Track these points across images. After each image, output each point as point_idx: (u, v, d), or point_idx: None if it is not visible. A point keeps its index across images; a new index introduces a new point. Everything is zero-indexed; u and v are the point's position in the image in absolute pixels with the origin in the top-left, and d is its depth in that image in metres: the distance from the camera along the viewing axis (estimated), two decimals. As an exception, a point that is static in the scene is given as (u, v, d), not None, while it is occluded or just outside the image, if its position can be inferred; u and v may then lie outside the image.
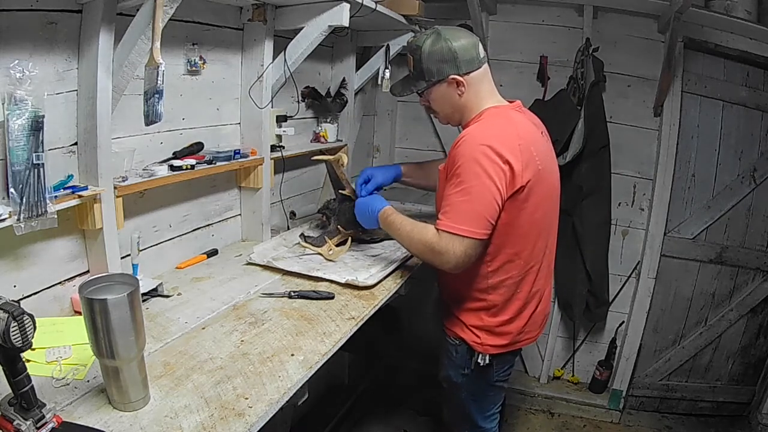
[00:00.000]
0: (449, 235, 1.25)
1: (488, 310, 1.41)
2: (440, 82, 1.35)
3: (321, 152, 2.14)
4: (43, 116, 1.07)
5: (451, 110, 1.41)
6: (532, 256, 1.38)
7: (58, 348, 1.08)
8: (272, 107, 1.85)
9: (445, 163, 1.35)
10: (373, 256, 1.75)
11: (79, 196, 1.18)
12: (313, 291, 1.45)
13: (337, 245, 1.72)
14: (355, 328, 1.29)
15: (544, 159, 1.33)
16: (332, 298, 1.42)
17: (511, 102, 1.42)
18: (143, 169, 1.41)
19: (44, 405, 0.84)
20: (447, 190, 1.28)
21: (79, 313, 1.08)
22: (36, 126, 1.05)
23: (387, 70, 2.25)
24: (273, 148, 1.88)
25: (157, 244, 1.56)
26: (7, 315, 0.75)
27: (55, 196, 1.12)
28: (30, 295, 1.20)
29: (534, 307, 1.46)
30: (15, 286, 1.17)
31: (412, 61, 1.38)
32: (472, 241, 1.25)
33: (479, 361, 1.43)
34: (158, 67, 1.13)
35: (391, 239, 1.82)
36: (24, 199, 1.05)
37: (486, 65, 1.38)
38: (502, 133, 1.27)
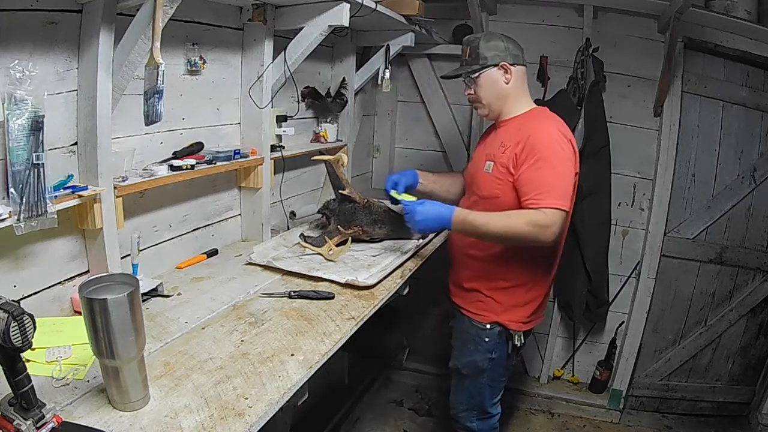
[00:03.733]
0: (553, 211, 1.39)
1: (525, 285, 1.58)
2: (492, 66, 1.53)
3: (321, 152, 2.14)
4: (43, 116, 1.07)
5: (495, 98, 1.56)
6: (563, 236, 1.56)
7: (58, 348, 1.08)
8: (272, 107, 1.85)
9: (512, 150, 1.48)
10: (373, 256, 1.75)
11: (79, 196, 1.18)
12: (313, 291, 1.45)
13: (337, 245, 1.72)
14: (355, 328, 1.29)
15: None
16: (332, 298, 1.42)
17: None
18: (143, 169, 1.42)
19: (44, 405, 0.84)
20: (532, 174, 1.42)
21: (79, 313, 1.08)
22: (36, 126, 1.06)
23: (387, 70, 2.25)
24: (273, 148, 1.88)
25: (157, 244, 1.56)
26: (7, 315, 0.75)
27: (55, 196, 1.12)
28: (30, 295, 1.20)
29: (549, 287, 1.67)
30: (15, 286, 1.17)
31: (468, 50, 1.56)
32: (565, 214, 1.42)
33: (516, 343, 1.60)
34: (158, 67, 1.13)
35: (391, 239, 1.83)
36: (24, 199, 1.05)
37: (525, 68, 1.59)
38: (561, 128, 1.49)
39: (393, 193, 1.71)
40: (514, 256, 1.55)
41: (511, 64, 1.52)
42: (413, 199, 1.66)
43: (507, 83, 1.53)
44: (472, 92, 1.58)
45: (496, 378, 1.67)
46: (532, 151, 1.43)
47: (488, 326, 1.60)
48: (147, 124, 1.19)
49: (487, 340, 1.61)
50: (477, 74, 1.54)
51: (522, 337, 1.60)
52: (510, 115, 1.57)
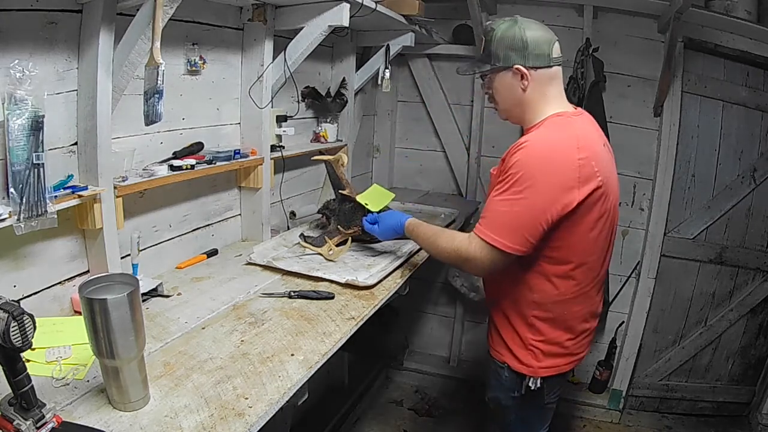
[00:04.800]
0: (481, 242, 1.21)
1: (531, 327, 1.33)
2: (505, 69, 1.27)
3: (321, 152, 2.14)
4: (43, 116, 1.07)
5: (512, 104, 1.32)
6: (585, 276, 1.30)
7: (58, 348, 1.08)
8: (272, 107, 1.85)
9: (498, 167, 1.29)
10: (373, 256, 1.75)
11: (79, 196, 1.18)
12: (313, 291, 1.45)
13: (337, 245, 1.72)
14: (355, 328, 1.29)
15: (605, 174, 1.22)
16: (332, 298, 1.42)
17: (575, 108, 1.33)
18: (143, 169, 1.41)
19: (44, 405, 0.83)
20: (493, 194, 1.23)
21: (79, 313, 1.08)
22: (36, 126, 1.05)
23: (387, 70, 2.25)
24: (273, 148, 1.88)
25: (157, 244, 1.56)
26: (7, 315, 0.75)
27: (55, 196, 1.12)
28: (30, 295, 1.20)
29: (584, 327, 1.39)
30: (15, 286, 1.17)
31: (483, 43, 1.32)
32: (501, 253, 1.19)
33: (530, 385, 1.35)
34: (158, 67, 1.13)
35: (391, 239, 1.83)
36: (24, 199, 1.05)
37: (558, 68, 1.29)
38: (563, 147, 1.18)
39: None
40: (511, 288, 1.33)
41: (530, 68, 1.24)
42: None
43: (524, 90, 1.26)
44: (490, 92, 1.35)
45: (528, 416, 1.46)
46: (506, 168, 1.21)
47: (503, 364, 1.41)
48: (147, 124, 1.19)
49: (506, 376, 1.40)
50: (487, 75, 1.32)
51: (537, 382, 1.35)
52: (530, 123, 1.30)
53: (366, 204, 1.70)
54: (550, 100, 1.29)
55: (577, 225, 1.21)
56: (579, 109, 1.35)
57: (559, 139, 1.20)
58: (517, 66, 1.25)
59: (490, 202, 1.24)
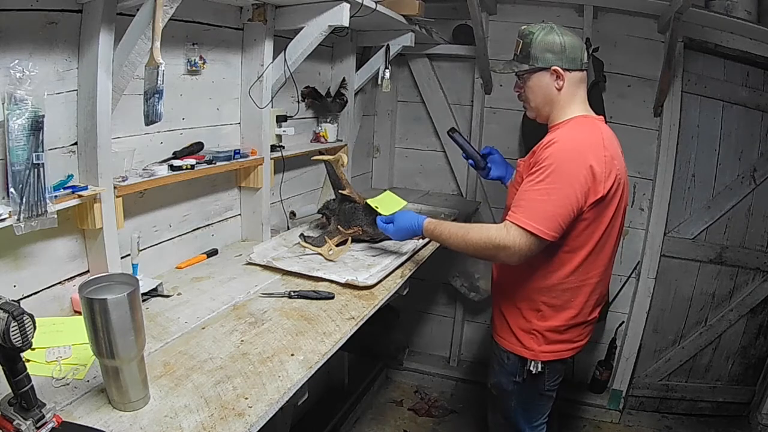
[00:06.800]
0: (519, 230, 1.27)
1: (538, 312, 1.42)
2: (543, 70, 1.37)
3: (321, 152, 2.14)
4: (43, 116, 1.07)
5: (543, 102, 1.41)
6: (593, 267, 1.39)
7: (58, 348, 1.08)
8: (272, 107, 1.85)
9: (527, 160, 1.37)
10: (373, 256, 1.75)
11: (79, 196, 1.18)
12: (313, 291, 1.45)
13: (337, 245, 1.72)
14: (355, 328, 1.29)
15: (622, 174, 1.36)
16: (332, 298, 1.42)
17: (597, 115, 1.43)
18: (143, 169, 1.42)
19: (44, 405, 0.83)
20: (526, 185, 1.31)
21: (79, 313, 1.08)
22: (36, 126, 1.06)
23: (387, 70, 2.25)
24: (273, 148, 1.88)
25: (157, 244, 1.56)
26: (7, 315, 0.75)
27: (55, 196, 1.12)
28: (30, 295, 1.20)
29: (586, 316, 1.46)
30: (15, 286, 1.17)
31: (520, 45, 1.41)
32: (538, 239, 1.26)
33: (531, 369, 1.44)
34: (158, 67, 1.12)
35: (390, 239, 1.83)
36: (24, 199, 1.05)
37: (585, 73, 1.41)
38: (591, 143, 1.31)
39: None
40: (523, 274, 1.42)
41: (566, 69, 1.35)
42: (396, 208, 1.75)
43: (558, 89, 1.37)
44: (522, 91, 1.45)
45: (529, 402, 1.52)
46: (537, 161, 1.30)
47: (506, 348, 1.50)
48: (147, 124, 1.19)
49: (507, 361, 1.49)
50: (523, 75, 1.41)
51: (538, 366, 1.44)
52: (556, 121, 1.41)
53: (376, 207, 1.73)
54: (578, 102, 1.40)
55: (598, 217, 1.32)
56: (600, 116, 1.44)
57: (588, 138, 1.32)
58: (555, 67, 1.35)
59: (524, 191, 1.31)
